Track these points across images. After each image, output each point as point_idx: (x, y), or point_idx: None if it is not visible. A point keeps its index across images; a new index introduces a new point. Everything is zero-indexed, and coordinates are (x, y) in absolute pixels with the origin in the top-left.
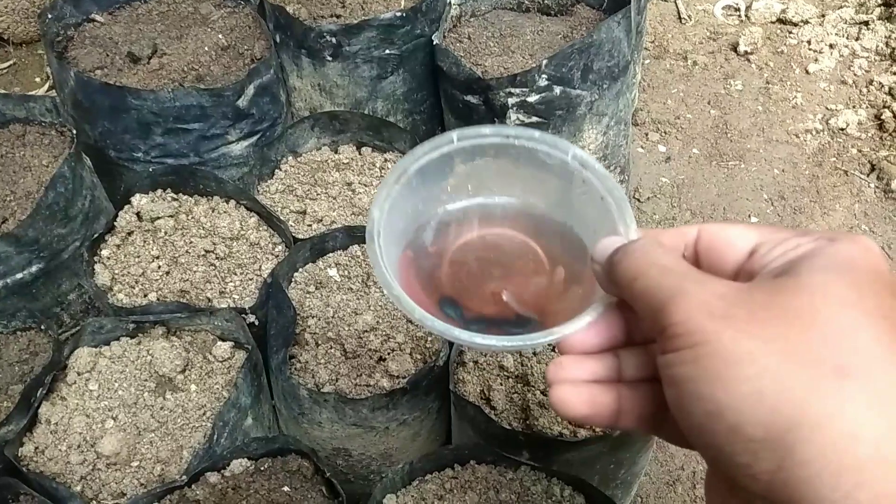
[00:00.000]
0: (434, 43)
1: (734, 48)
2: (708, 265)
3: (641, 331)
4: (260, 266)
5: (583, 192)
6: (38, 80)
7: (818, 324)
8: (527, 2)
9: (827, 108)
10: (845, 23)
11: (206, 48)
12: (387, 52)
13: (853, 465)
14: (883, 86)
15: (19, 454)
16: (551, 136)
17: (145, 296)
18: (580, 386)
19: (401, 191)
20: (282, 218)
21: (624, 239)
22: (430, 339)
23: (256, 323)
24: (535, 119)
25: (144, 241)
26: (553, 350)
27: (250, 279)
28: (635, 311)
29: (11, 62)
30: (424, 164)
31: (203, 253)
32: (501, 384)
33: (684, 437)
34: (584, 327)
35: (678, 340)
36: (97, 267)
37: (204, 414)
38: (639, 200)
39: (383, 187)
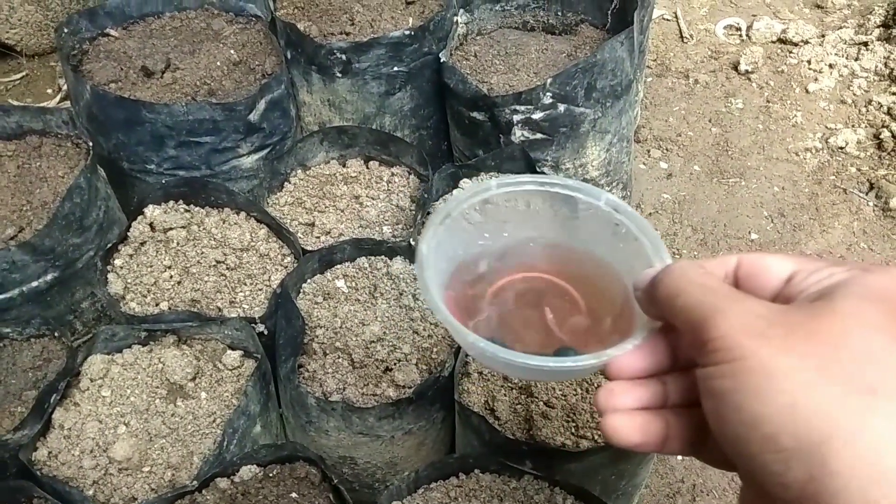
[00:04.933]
0: (441, 60)
1: (735, 67)
2: (747, 290)
3: (685, 354)
4: (269, 277)
5: (616, 234)
6: (49, 91)
7: (850, 345)
8: (532, 21)
9: (826, 127)
10: (845, 43)
11: (219, 63)
12: (395, 69)
13: (880, 477)
14: (882, 106)
15: (33, 458)
16: (585, 183)
17: (157, 305)
18: (632, 414)
19: (444, 232)
20: (291, 230)
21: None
22: (435, 350)
23: (265, 332)
24: (539, 136)
25: (157, 252)
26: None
27: (260, 289)
28: (678, 334)
29: (24, 74)
30: (465, 208)
31: (214, 263)
32: (505, 395)
33: (723, 458)
34: (630, 350)
35: (718, 355)
36: (110, 276)
37: (214, 421)
38: None
39: (429, 227)
